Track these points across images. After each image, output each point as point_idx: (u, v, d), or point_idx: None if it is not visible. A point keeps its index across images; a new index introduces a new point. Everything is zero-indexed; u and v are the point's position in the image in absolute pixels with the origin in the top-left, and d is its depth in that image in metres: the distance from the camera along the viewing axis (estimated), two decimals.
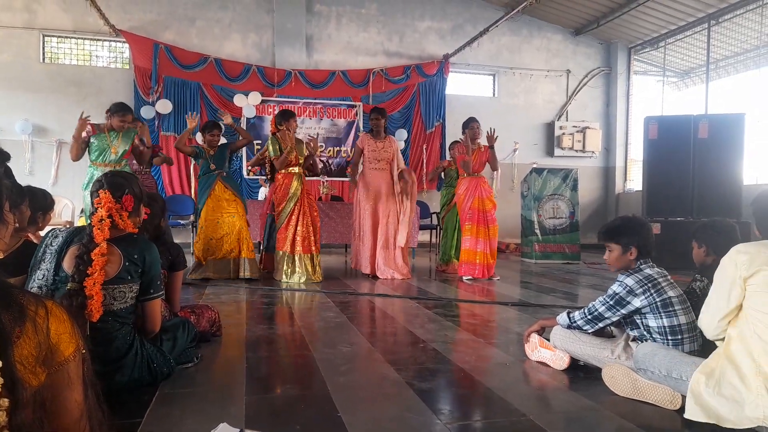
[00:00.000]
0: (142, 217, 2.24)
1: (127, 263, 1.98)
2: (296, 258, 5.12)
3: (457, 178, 6.05)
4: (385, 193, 5.43)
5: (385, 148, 5.48)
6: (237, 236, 5.17)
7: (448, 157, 6.52)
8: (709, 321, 1.86)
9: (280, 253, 5.16)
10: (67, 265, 1.92)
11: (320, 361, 2.51)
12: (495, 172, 5.65)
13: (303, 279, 5.07)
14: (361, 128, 9.31)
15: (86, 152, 4.62)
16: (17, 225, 2.35)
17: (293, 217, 5.14)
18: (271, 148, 5.19)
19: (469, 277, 5.45)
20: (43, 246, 1.98)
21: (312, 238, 5.19)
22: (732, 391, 1.70)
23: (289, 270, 5.10)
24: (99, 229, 1.92)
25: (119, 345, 2.00)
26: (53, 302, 0.89)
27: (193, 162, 8.43)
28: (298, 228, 5.14)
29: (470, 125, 5.58)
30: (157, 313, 2.15)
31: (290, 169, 5.21)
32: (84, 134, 4.55)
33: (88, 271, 1.86)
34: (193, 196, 8.48)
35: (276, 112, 5.48)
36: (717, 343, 1.91)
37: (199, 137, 7.43)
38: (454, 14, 9.90)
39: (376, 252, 5.40)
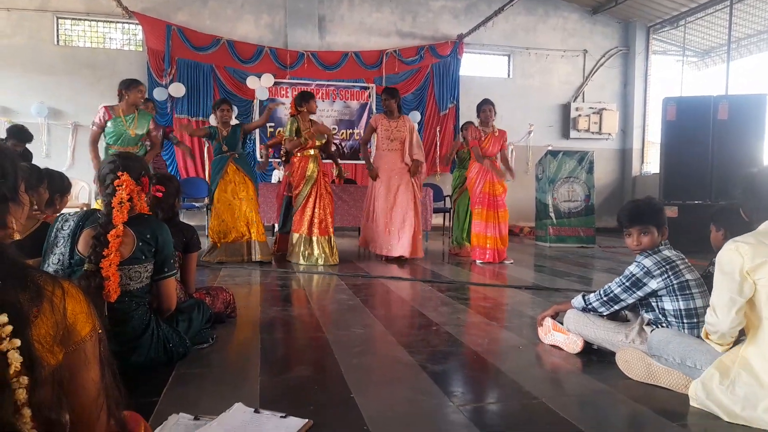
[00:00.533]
0: (157, 197, 2.26)
1: (140, 243, 2.00)
2: (314, 240, 5.15)
3: (468, 160, 5.99)
4: (398, 174, 5.41)
5: (399, 127, 5.43)
6: (245, 219, 5.18)
7: (459, 138, 6.43)
8: (724, 315, 1.73)
9: (296, 235, 5.19)
10: (82, 247, 1.94)
11: (334, 343, 2.53)
12: (509, 171, 5.55)
13: (321, 261, 5.10)
14: (374, 111, 9.25)
15: (101, 137, 4.64)
16: (35, 207, 2.38)
17: (310, 199, 5.16)
18: (288, 128, 5.18)
19: (481, 261, 5.43)
20: (54, 231, 2.00)
21: (329, 220, 5.22)
22: (747, 390, 1.67)
23: (307, 252, 5.14)
24: (119, 211, 1.94)
25: (136, 325, 2.03)
26: (69, 282, 0.91)
27: (206, 144, 8.47)
28: (316, 210, 5.16)
29: (482, 108, 5.50)
30: (172, 292, 2.18)
31: (306, 151, 5.21)
32: (98, 120, 4.57)
33: (104, 253, 1.88)
34: (207, 178, 8.54)
35: (296, 94, 5.44)
36: (718, 345, 1.83)
37: (212, 119, 7.45)
38: None
39: (388, 232, 5.40)
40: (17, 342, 0.75)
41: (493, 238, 5.45)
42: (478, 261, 5.46)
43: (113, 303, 1.92)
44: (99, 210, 2.01)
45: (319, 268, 4.96)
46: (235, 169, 5.23)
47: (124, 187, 1.98)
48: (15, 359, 0.75)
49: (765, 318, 1.68)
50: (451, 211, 6.43)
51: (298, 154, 5.21)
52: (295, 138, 5.14)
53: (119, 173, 2.01)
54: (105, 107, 4.59)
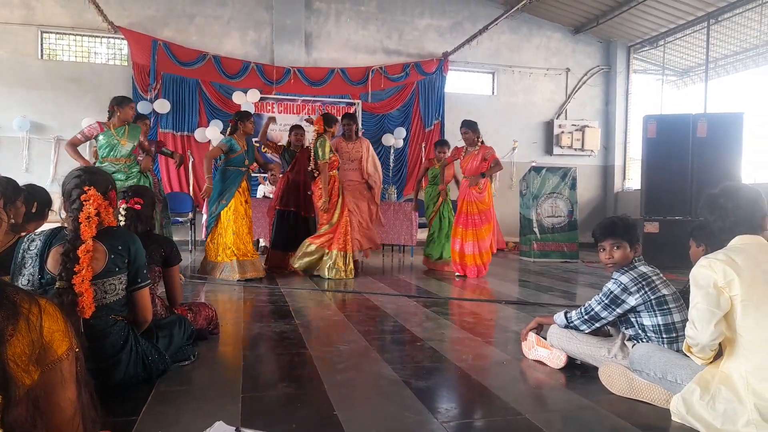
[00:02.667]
0: (135, 209, 2.23)
1: (112, 255, 1.97)
2: (347, 255, 5.37)
3: (439, 177, 6.26)
4: (359, 188, 5.76)
5: (356, 148, 5.80)
6: (251, 235, 5.33)
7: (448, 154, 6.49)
8: (703, 328, 1.74)
9: (335, 252, 5.31)
10: (52, 266, 1.90)
11: (317, 359, 2.51)
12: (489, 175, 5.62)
13: (352, 275, 5.30)
14: (360, 126, 9.30)
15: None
16: (13, 221, 2.34)
17: (344, 215, 5.40)
18: (324, 149, 5.21)
19: (460, 275, 5.57)
20: (21, 251, 1.96)
21: (348, 236, 5.44)
22: (726, 405, 1.69)
23: (341, 267, 5.31)
24: (87, 226, 1.91)
25: (114, 341, 1.99)
26: (47, 300, 0.89)
27: (192, 159, 8.43)
28: (343, 227, 5.38)
29: (460, 131, 5.64)
30: (147, 302, 2.15)
31: (335, 171, 5.36)
32: (87, 131, 4.59)
33: (75, 269, 1.85)
34: (192, 193, 8.47)
35: (322, 114, 5.57)
36: (700, 359, 1.83)
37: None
38: (453, 12, 9.88)
39: (355, 229, 5.66)
40: None
41: (472, 255, 5.56)
42: (456, 274, 5.60)
43: (90, 319, 1.88)
44: (65, 227, 1.98)
45: (344, 282, 5.09)
46: (246, 185, 5.26)
47: (91, 201, 1.95)
48: None
49: (741, 334, 1.71)
50: (428, 227, 6.43)
51: (330, 173, 5.30)
52: (331, 157, 5.26)
53: (85, 187, 1.98)
54: (98, 122, 4.59)
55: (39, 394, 0.84)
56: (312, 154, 5.28)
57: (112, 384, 1.96)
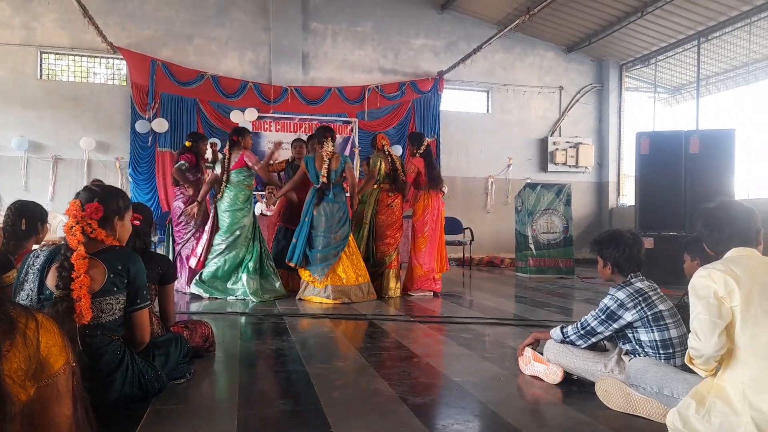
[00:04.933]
0: (126, 230, 2.21)
1: (111, 275, 1.97)
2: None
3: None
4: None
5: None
6: None
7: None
8: (707, 339, 1.71)
9: (394, 270, 5.32)
10: (51, 282, 1.91)
11: (314, 376, 2.50)
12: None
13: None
14: (357, 144, 9.37)
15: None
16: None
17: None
18: (379, 165, 5.32)
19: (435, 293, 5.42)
20: (26, 266, 1.98)
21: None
22: (722, 419, 1.69)
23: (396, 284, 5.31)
24: (71, 235, 1.94)
25: (109, 360, 1.98)
26: (43, 315, 0.89)
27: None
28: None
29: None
30: (145, 324, 2.14)
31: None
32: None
33: (72, 276, 1.85)
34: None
35: (380, 134, 5.67)
36: (703, 370, 1.80)
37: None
38: (447, 32, 10.04)
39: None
40: None
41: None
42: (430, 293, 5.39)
43: (85, 338, 1.88)
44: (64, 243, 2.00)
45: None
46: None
47: (70, 213, 1.99)
48: None
49: (739, 346, 1.71)
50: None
51: (388, 193, 5.31)
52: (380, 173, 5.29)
53: (71, 201, 2.01)
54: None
55: (35, 409, 0.84)
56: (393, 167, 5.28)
57: (107, 403, 1.95)
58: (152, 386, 2.12)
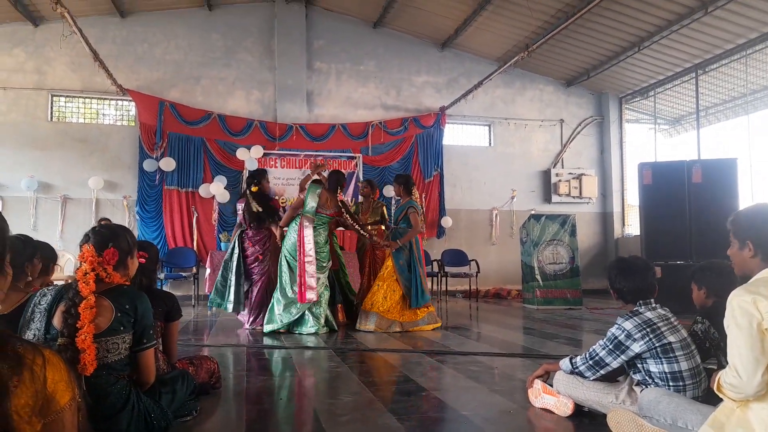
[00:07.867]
0: (135, 267, 2.23)
1: (119, 314, 1.96)
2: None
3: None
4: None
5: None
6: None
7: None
8: (749, 378, 1.57)
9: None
10: (57, 322, 1.90)
11: (321, 411, 2.48)
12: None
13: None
14: (361, 178, 9.46)
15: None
16: (30, 279, 2.36)
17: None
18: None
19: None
20: (32, 305, 1.97)
21: None
22: None
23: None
24: (84, 282, 1.91)
25: (114, 400, 1.95)
26: (50, 350, 0.90)
27: (195, 215, 8.53)
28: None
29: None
30: (151, 364, 2.12)
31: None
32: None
33: (77, 325, 1.84)
34: (195, 247, 8.47)
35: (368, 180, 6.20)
36: (734, 402, 1.66)
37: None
38: (448, 69, 10.27)
39: None
40: None
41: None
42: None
43: (90, 378, 1.85)
44: (72, 283, 1.99)
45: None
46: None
47: (85, 259, 1.97)
48: None
49: None
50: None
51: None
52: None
53: (84, 246, 2.01)
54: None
55: None
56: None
57: None
58: (158, 425, 2.09)
